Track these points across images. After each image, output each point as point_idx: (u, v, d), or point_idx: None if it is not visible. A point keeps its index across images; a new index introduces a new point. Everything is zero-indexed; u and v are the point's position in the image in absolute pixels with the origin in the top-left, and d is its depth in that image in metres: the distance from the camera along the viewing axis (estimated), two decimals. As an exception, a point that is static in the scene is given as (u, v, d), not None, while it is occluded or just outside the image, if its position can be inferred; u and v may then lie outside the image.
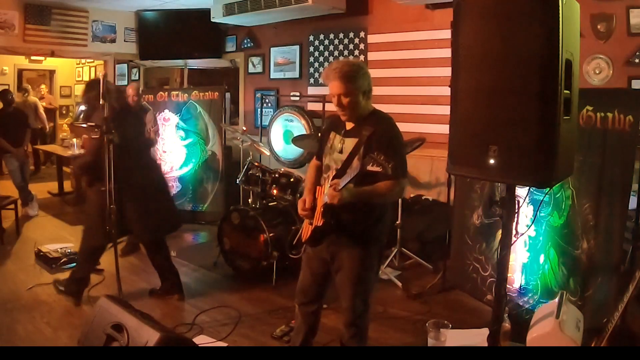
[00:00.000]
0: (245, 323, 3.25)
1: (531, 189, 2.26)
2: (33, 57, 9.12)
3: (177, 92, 5.92)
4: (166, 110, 5.79)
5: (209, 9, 5.57)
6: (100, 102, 2.91)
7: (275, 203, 4.20)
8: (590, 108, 2.71)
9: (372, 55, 5.11)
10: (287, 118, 5.59)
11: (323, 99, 5.20)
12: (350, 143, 2.22)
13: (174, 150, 5.82)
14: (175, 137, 5.81)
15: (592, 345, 2.13)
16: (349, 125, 2.27)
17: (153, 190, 3.47)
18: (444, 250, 3.87)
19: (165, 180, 3.92)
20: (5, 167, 6.09)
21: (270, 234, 3.82)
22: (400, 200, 4.08)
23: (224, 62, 6.92)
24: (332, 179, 2.20)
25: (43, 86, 9.68)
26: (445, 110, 1.96)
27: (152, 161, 3.93)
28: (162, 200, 3.57)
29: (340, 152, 2.26)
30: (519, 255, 3.09)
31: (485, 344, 1.96)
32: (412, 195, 4.74)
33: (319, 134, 2.71)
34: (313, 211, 2.31)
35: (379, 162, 1.92)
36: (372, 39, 5.10)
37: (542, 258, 3.00)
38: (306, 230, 2.39)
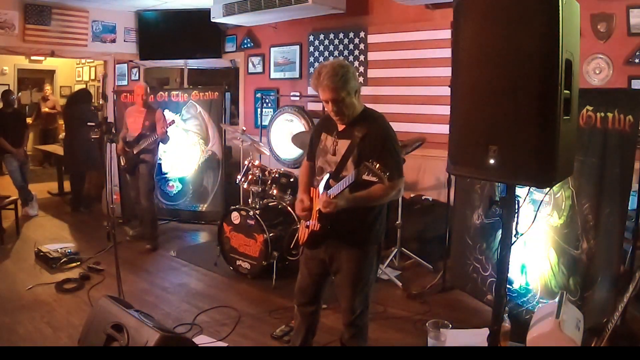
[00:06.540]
0: (245, 323, 3.25)
1: (531, 189, 2.26)
2: (33, 57, 9.11)
3: (177, 92, 5.92)
4: (166, 110, 5.79)
5: (209, 9, 5.56)
6: (100, 102, 2.92)
7: (275, 203, 4.19)
8: (590, 108, 2.71)
9: (372, 55, 5.11)
10: (287, 118, 5.59)
11: (323, 99, 5.19)
12: (343, 145, 2.20)
13: (174, 150, 5.82)
14: (175, 137, 5.80)
15: (592, 345, 2.13)
16: (341, 126, 2.25)
17: None
18: (444, 250, 3.87)
19: None
20: (5, 167, 6.10)
21: (270, 234, 3.82)
22: (400, 200, 4.07)
23: (224, 62, 6.92)
24: (327, 183, 2.19)
25: (47, 87, 9.61)
26: (445, 110, 1.96)
27: None
28: None
29: (334, 154, 2.24)
30: (519, 255, 3.09)
31: (485, 344, 1.96)
32: (412, 195, 4.73)
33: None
34: (311, 210, 2.31)
35: (374, 172, 1.91)
36: (372, 39, 5.10)
37: (542, 258, 3.00)
38: (303, 233, 2.38)
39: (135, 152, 4.67)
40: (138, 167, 4.74)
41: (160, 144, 4.78)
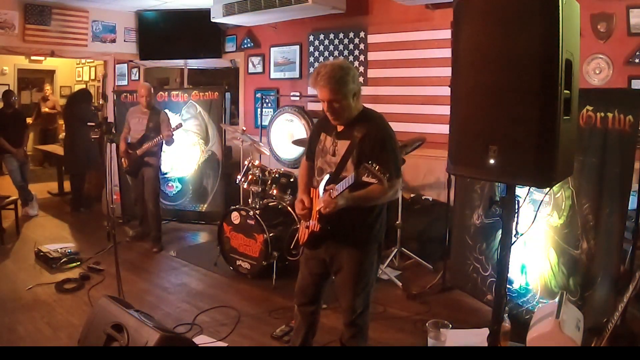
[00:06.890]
0: (245, 323, 3.25)
1: (531, 189, 2.26)
2: (33, 57, 9.10)
3: (177, 92, 5.92)
4: (167, 111, 5.79)
5: (209, 9, 5.56)
6: (100, 102, 2.93)
7: (275, 203, 4.20)
8: (590, 108, 2.71)
9: (372, 55, 5.11)
10: (287, 118, 5.59)
11: (323, 99, 5.19)
12: (342, 145, 2.19)
13: (174, 150, 5.81)
14: (175, 138, 5.80)
15: (592, 345, 2.13)
16: (340, 127, 2.24)
17: None
18: (444, 250, 3.87)
19: None
20: (5, 167, 6.11)
21: (270, 234, 3.82)
22: (400, 200, 4.08)
23: (224, 62, 6.92)
24: (327, 183, 2.19)
25: (47, 87, 9.60)
26: (445, 110, 1.96)
27: None
28: None
29: (333, 154, 2.23)
30: (519, 255, 3.09)
31: (485, 344, 1.96)
32: (412, 195, 4.73)
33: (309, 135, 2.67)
34: (311, 210, 2.31)
35: (374, 174, 1.91)
36: (372, 39, 5.10)
37: (542, 258, 3.00)
38: (303, 233, 2.38)
39: (139, 154, 4.65)
40: (142, 170, 4.71)
41: (164, 145, 4.75)
